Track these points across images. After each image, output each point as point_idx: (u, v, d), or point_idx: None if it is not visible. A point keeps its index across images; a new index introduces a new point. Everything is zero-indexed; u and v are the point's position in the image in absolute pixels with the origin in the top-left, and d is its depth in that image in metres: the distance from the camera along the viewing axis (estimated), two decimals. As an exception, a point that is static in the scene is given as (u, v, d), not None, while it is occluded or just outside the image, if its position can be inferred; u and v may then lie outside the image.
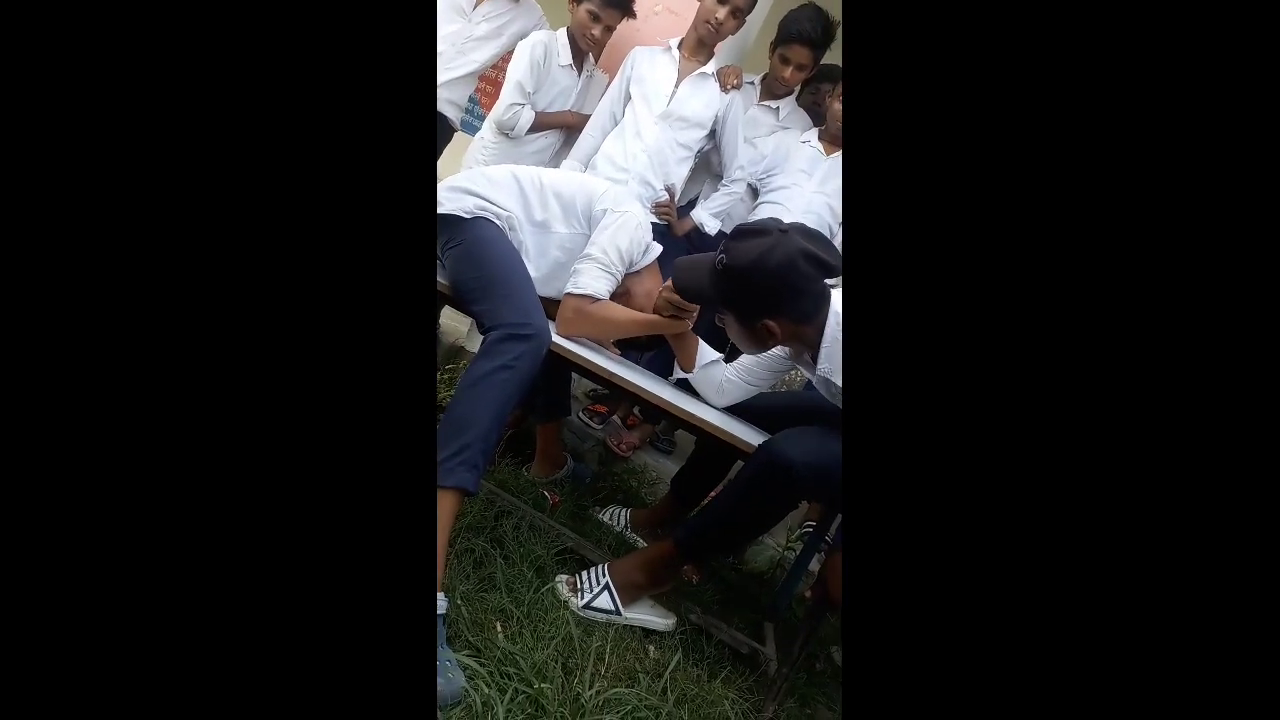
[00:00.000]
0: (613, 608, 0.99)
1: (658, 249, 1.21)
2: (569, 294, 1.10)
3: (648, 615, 1.01)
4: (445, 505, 0.82)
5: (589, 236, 1.13)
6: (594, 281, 1.09)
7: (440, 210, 1.08)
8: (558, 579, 1.01)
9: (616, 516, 1.32)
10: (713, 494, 1.36)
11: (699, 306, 1.13)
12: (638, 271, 1.18)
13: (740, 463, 1.06)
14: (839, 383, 0.99)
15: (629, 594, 1.00)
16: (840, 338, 0.95)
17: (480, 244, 1.05)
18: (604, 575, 1.01)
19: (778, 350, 1.09)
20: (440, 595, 0.78)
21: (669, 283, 1.09)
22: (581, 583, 1.01)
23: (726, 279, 0.96)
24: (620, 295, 1.16)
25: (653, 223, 1.63)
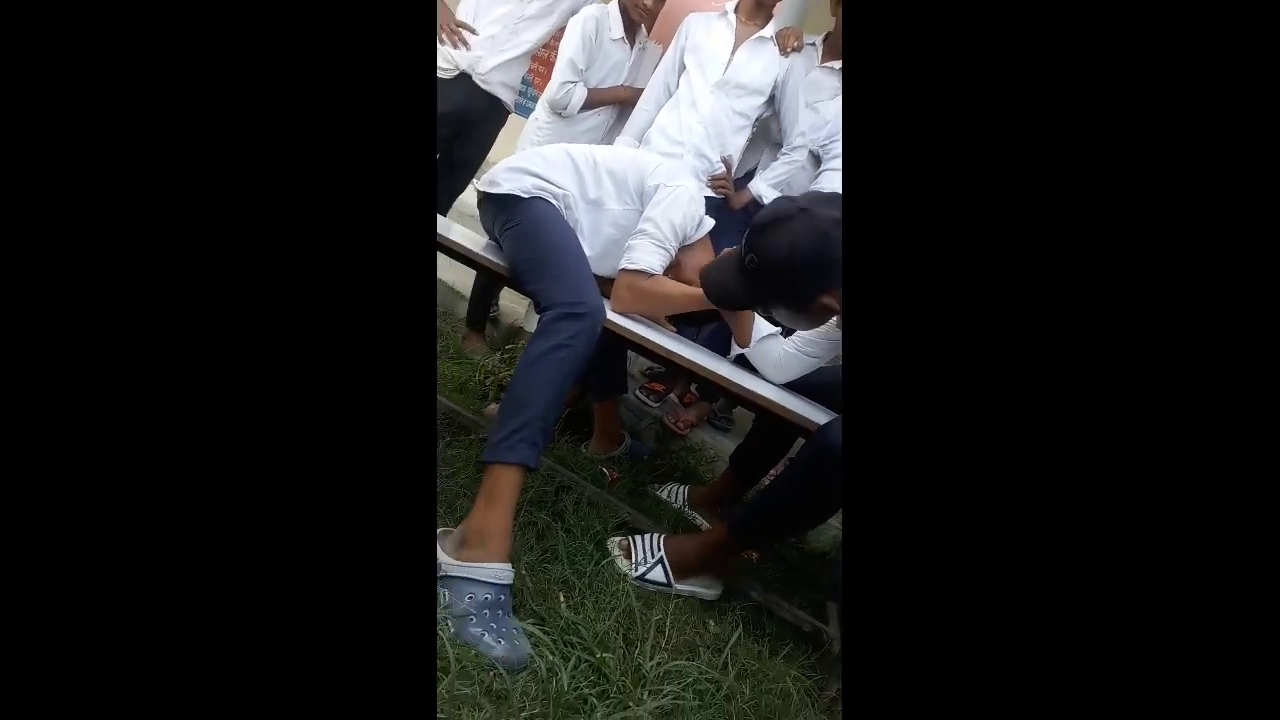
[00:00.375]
0: (665, 581, 1.00)
1: (710, 222, 1.19)
2: (623, 270, 1.10)
3: (698, 586, 1.02)
4: (509, 480, 0.84)
5: (642, 213, 1.12)
6: (648, 256, 1.08)
7: (499, 190, 1.09)
8: (610, 540, 1.03)
9: (675, 494, 1.33)
10: (772, 472, 1.34)
11: None
12: (690, 246, 1.16)
13: (802, 440, 1.04)
14: None
15: (682, 573, 1.01)
16: None
17: (536, 223, 1.06)
18: (659, 549, 1.02)
19: (835, 320, 1.06)
20: (507, 565, 0.81)
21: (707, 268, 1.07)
22: (636, 551, 1.02)
23: (763, 277, 0.93)
24: (672, 269, 1.15)
25: (709, 197, 1.60)
